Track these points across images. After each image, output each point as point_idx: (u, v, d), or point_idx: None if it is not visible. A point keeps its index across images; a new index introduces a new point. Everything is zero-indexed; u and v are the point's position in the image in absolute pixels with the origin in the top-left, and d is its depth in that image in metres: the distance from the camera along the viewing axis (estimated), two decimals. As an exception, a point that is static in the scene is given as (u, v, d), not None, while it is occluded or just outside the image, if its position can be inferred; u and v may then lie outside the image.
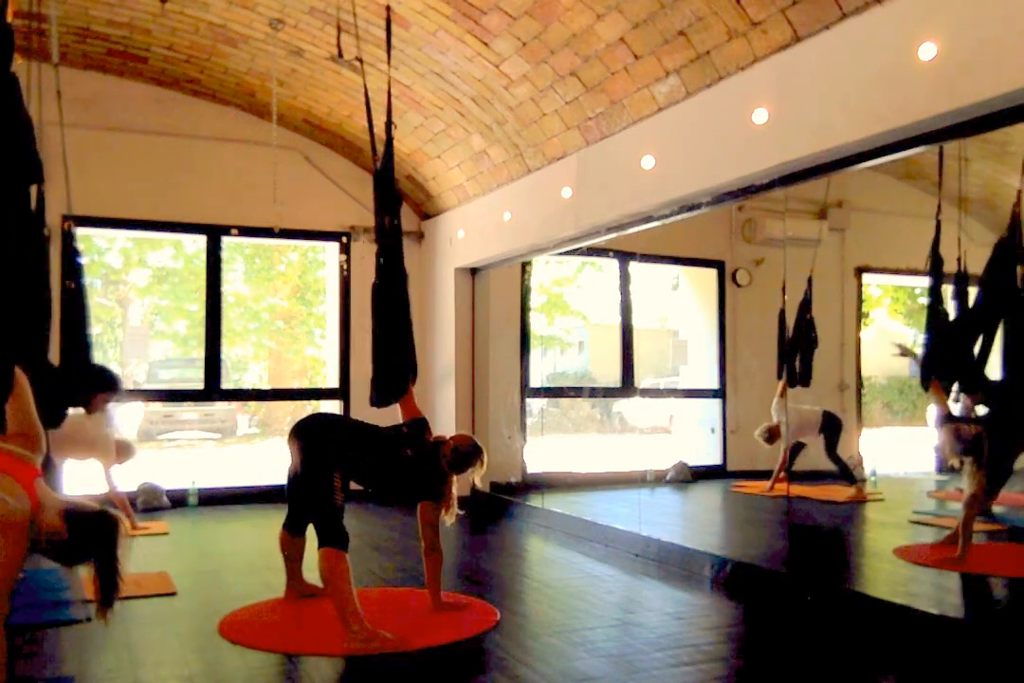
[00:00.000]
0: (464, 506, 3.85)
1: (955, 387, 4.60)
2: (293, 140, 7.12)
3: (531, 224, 5.90)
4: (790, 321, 6.20)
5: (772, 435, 6.24)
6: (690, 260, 7.40)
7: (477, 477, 3.70)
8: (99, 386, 4.69)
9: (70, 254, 4.21)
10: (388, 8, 4.02)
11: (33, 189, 2.91)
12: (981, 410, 4.65)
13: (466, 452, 3.64)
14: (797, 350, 6.24)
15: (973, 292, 4.58)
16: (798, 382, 6.25)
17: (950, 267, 4.62)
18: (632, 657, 3.08)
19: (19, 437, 2.55)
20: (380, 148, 3.75)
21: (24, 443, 2.54)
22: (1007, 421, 4.32)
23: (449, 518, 3.67)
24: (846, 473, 6.14)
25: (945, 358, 4.46)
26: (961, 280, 4.65)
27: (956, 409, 4.64)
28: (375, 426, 3.72)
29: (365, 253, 7.11)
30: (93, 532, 2.49)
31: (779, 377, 6.42)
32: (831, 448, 6.10)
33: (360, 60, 4.34)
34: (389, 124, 3.77)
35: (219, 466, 10.73)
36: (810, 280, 6.07)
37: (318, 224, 7.26)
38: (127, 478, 5.67)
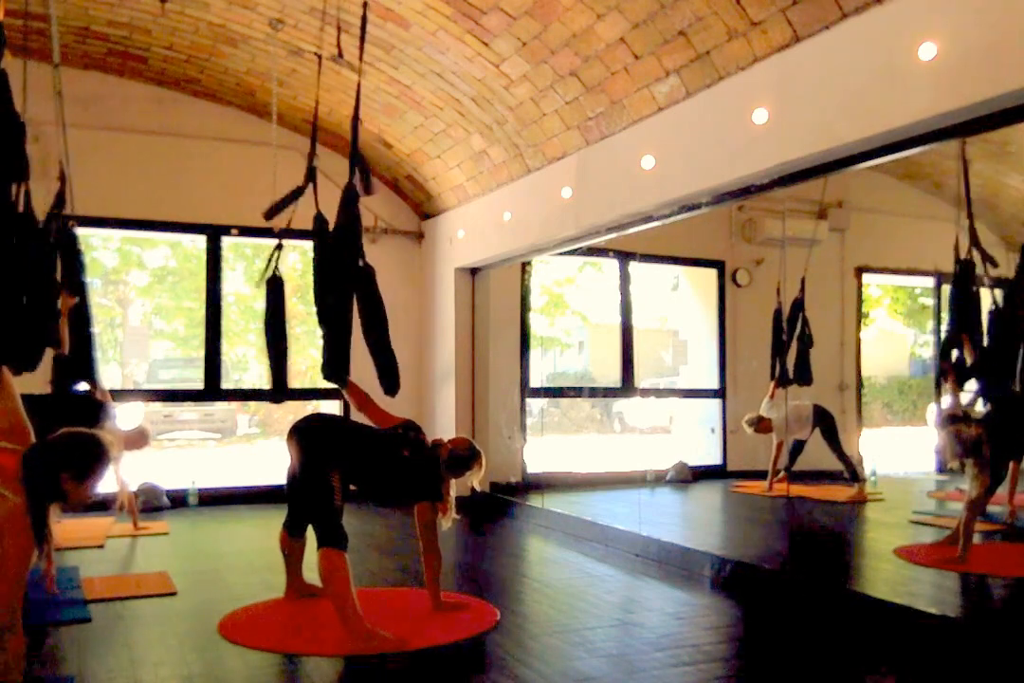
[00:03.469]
0: (464, 506, 3.85)
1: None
2: (293, 140, 7.10)
3: (531, 224, 5.90)
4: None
5: (760, 421, 6.24)
6: (690, 260, 7.40)
7: (475, 481, 3.69)
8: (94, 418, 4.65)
9: (71, 253, 4.22)
10: (365, 5, 3.99)
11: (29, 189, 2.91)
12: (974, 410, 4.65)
13: (463, 456, 3.63)
14: (788, 350, 6.24)
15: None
16: (791, 381, 6.25)
17: (949, 268, 4.60)
18: (632, 657, 3.08)
19: (6, 434, 2.59)
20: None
21: (11, 439, 2.59)
22: (1007, 421, 4.32)
23: (446, 521, 3.65)
24: (852, 471, 6.13)
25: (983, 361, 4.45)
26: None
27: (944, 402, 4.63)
28: (373, 427, 3.71)
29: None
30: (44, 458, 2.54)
31: (772, 377, 6.42)
32: (835, 444, 6.09)
33: (319, 55, 4.35)
34: (356, 121, 3.77)
35: (219, 466, 10.73)
36: (803, 280, 6.06)
37: (318, 224, 7.24)
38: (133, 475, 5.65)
